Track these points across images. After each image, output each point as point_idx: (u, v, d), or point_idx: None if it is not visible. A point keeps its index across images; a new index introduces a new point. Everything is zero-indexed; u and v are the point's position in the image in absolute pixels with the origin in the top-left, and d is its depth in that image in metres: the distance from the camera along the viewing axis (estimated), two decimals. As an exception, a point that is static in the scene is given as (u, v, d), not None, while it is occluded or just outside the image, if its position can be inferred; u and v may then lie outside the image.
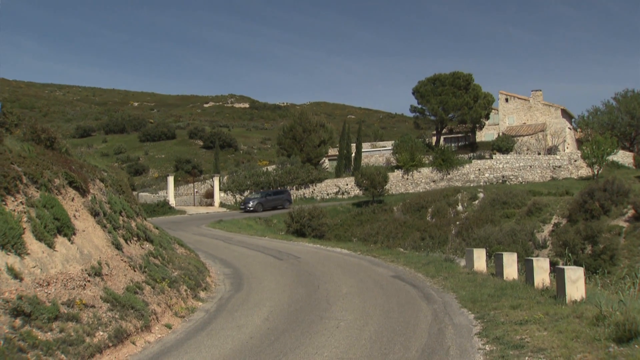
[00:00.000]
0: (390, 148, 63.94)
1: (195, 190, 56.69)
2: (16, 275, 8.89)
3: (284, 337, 10.48)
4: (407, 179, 55.23)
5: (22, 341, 8.03)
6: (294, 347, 9.74)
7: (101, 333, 9.62)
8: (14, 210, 9.89)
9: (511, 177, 53.81)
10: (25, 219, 10.00)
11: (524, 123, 64.47)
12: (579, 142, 64.06)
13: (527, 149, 60.46)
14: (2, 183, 9.83)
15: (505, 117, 65.84)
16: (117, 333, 9.95)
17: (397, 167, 55.90)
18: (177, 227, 33.08)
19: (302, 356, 9.14)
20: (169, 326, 11.67)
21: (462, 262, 18.84)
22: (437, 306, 12.66)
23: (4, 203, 9.72)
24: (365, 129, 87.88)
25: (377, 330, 10.64)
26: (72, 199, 12.09)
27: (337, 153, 60.45)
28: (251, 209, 46.86)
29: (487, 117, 64.66)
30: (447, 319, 11.37)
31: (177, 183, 56.59)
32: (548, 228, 38.47)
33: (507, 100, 66.32)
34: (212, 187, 54.09)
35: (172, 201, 49.42)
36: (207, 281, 16.48)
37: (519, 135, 61.58)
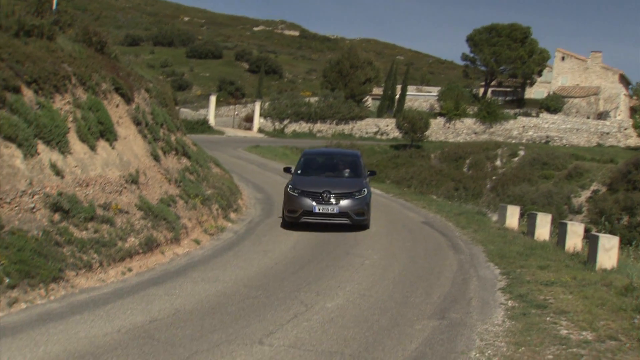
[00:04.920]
0: (435, 94, 62.75)
1: (236, 112, 56.85)
2: (58, 172, 9.10)
3: (309, 267, 10.61)
4: (449, 127, 54.39)
5: (59, 235, 8.30)
6: (317, 277, 9.86)
7: (133, 239, 9.88)
8: (61, 109, 10.03)
9: (555, 138, 52.57)
10: (70, 119, 10.16)
11: (577, 84, 62.32)
12: (633, 110, 61.82)
13: (577, 112, 58.71)
14: (52, 81, 9.93)
15: (559, 76, 63.67)
16: (148, 241, 10.20)
17: (440, 115, 55.00)
18: (214, 146, 33.34)
19: (325, 287, 9.24)
20: (197, 242, 11.92)
21: (494, 217, 18.65)
22: (464, 257, 12.61)
23: (52, 100, 9.85)
24: (412, 72, 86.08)
25: (401, 273, 10.67)
26: (117, 105, 12.20)
27: (382, 93, 59.59)
28: None
29: (540, 73, 62.67)
30: (472, 271, 11.33)
31: (218, 103, 56.71)
32: (586, 194, 37.77)
33: (563, 58, 63.98)
34: (253, 111, 54.14)
35: (212, 121, 49.70)
36: (239, 203, 16.69)
37: (570, 97, 59.71)
